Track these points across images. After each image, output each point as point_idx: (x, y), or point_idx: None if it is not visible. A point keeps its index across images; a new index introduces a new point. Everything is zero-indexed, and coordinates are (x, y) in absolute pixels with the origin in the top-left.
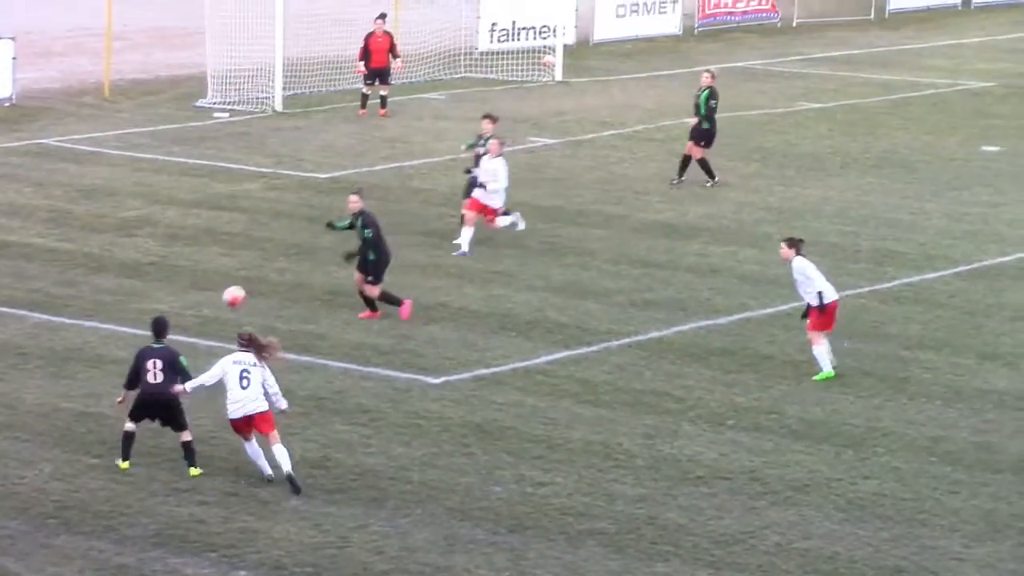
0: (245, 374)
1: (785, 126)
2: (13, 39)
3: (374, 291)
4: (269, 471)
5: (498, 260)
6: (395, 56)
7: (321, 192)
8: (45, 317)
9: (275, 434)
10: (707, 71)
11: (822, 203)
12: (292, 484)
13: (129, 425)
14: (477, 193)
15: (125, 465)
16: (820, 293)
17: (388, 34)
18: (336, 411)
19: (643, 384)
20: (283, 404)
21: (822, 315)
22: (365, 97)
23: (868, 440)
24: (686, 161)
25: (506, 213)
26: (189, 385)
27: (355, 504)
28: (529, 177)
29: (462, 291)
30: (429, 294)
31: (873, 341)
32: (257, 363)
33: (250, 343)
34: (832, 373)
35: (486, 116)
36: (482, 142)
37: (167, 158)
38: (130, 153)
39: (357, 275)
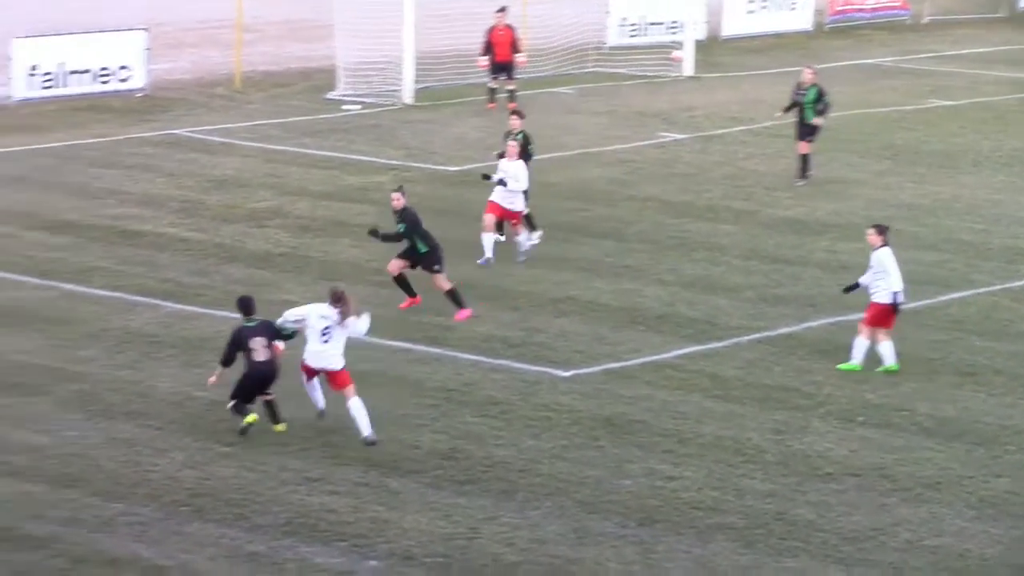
0: (327, 330)
1: (916, 123)
2: (146, 30)
3: (445, 284)
4: (322, 404)
5: (628, 254)
6: (517, 51)
7: (451, 185)
8: (178, 306)
9: (351, 388)
10: (809, 67)
11: (953, 200)
12: (367, 440)
13: (252, 416)
14: (496, 196)
15: (253, 418)
16: (896, 293)
17: (510, 28)
18: (466, 403)
19: (773, 380)
20: (364, 327)
21: (884, 312)
22: (492, 91)
23: (1000, 438)
24: (804, 160)
25: (532, 227)
26: (280, 323)
27: (485, 496)
28: (659, 172)
29: (591, 285)
30: (558, 288)
31: (1005, 339)
32: (341, 323)
33: (341, 303)
34: (859, 367)
35: (514, 112)
36: (514, 137)
37: (298, 150)
38: (261, 144)
39: (396, 262)
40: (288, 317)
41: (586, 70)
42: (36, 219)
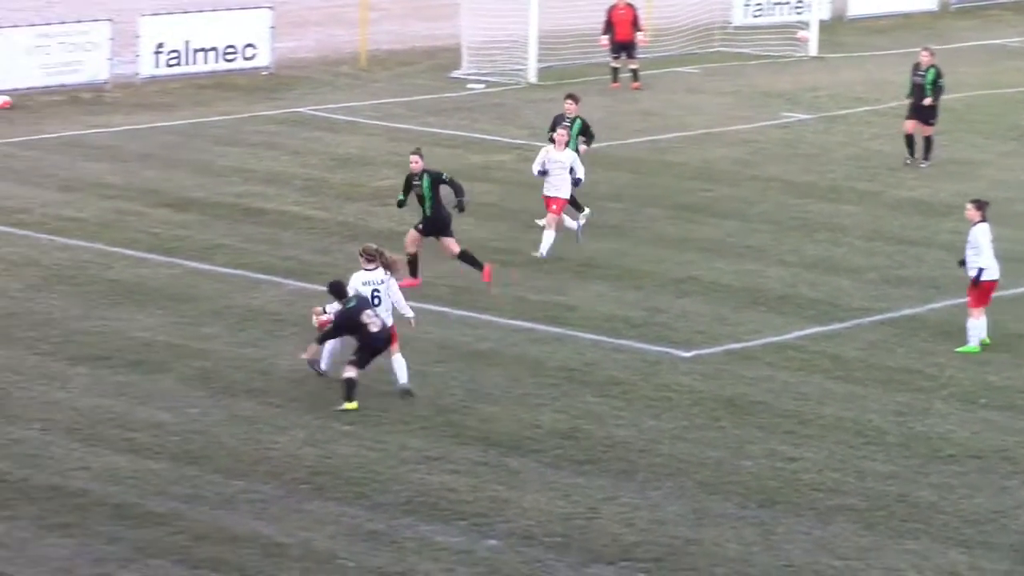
0: (376, 293)
1: None
2: (271, 8)
3: (455, 247)
4: (325, 367)
5: (750, 235)
6: (638, 29)
7: None
8: (300, 284)
9: (396, 345)
10: (926, 49)
11: None
12: (406, 393)
13: (353, 372)
14: (546, 188)
15: (354, 405)
16: (981, 269)
17: (631, 7)
18: (586, 383)
19: (895, 361)
20: (408, 312)
21: (976, 289)
22: (615, 70)
23: None
24: (928, 142)
25: (579, 207)
26: (331, 308)
27: (605, 476)
28: (782, 152)
29: (713, 265)
30: (680, 268)
31: None
32: (384, 279)
33: (379, 258)
34: (978, 348)
35: (569, 96)
36: (566, 122)
37: (422, 128)
38: (385, 123)
39: (413, 234)
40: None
41: (711, 50)
42: (161, 196)
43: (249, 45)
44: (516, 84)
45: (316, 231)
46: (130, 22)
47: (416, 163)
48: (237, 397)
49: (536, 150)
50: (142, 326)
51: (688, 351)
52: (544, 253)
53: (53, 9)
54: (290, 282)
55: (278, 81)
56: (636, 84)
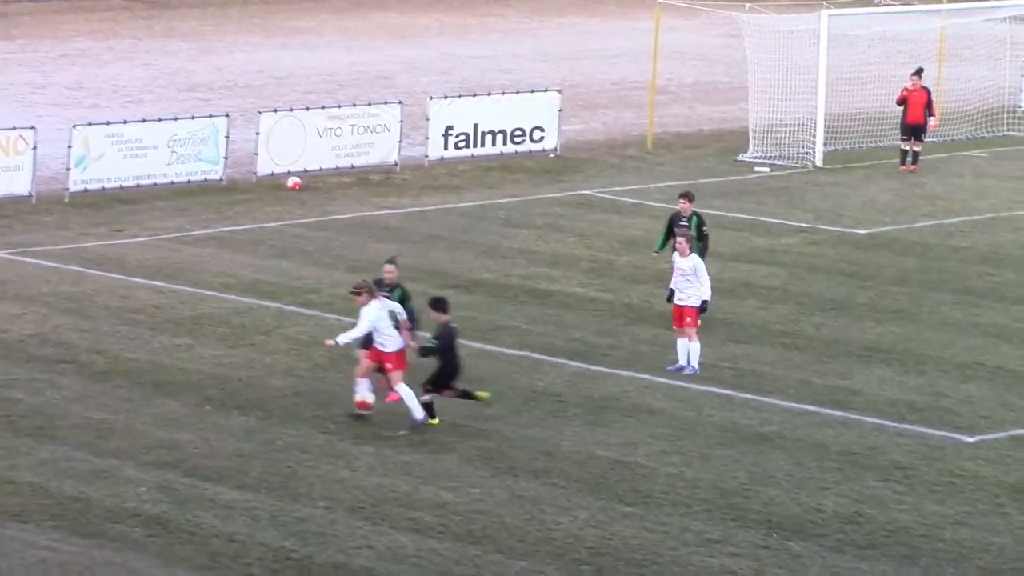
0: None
1: None
2: (559, 91)
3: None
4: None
5: None
6: (931, 114)
7: (860, 248)
8: (584, 366)
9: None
10: None
11: None
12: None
13: (428, 398)
14: (679, 297)
15: (436, 422)
16: None
17: (926, 90)
18: (869, 467)
19: None
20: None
21: None
22: (904, 153)
23: None
24: None
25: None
26: (342, 339)
27: (887, 561)
28: None
29: (999, 350)
30: (966, 352)
31: None
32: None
33: (364, 292)
34: None
35: (683, 196)
36: (683, 221)
37: (707, 211)
38: (671, 205)
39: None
40: (357, 335)
41: (999, 134)
42: (448, 277)
43: (537, 128)
44: (802, 167)
45: (601, 313)
46: (420, 104)
47: (390, 273)
48: (519, 477)
49: (821, 232)
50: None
51: (972, 436)
52: (696, 367)
53: (344, 92)
54: (574, 363)
55: (565, 163)
56: (914, 167)
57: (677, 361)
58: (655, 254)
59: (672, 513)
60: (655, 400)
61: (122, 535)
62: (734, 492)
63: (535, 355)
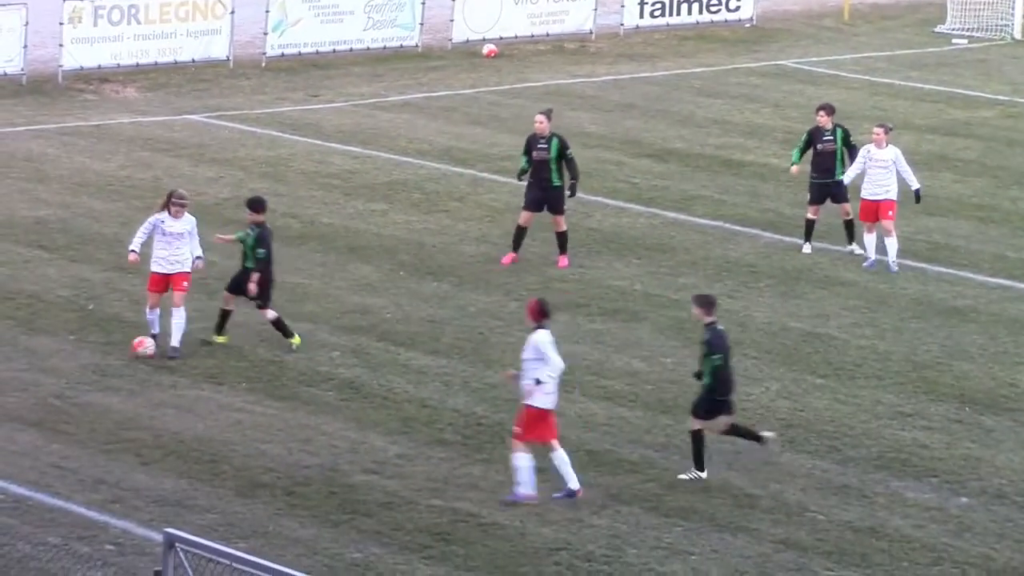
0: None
1: None
2: None
3: (562, 225)
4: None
5: None
6: None
7: None
8: (777, 237)
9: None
10: None
11: None
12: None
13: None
14: (873, 192)
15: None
16: None
17: None
18: None
19: None
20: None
21: None
22: None
23: None
24: None
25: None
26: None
27: None
28: None
29: None
30: None
31: None
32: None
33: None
34: None
35: (822, 107)
36: (828, 135)
37: (903, 83)
38: (867, 77)
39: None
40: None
41: None
42: (642, 146)
43: None
44: (1001, 39)
45: (794, 184)
46: None
47: (541, 124)
48: None
49: (1018, 106)
50: (619, 275)
51: None
52: (895, 266)
53: None
54: (767, 234)
55: (760, 33)
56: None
57: (868, 257)
58: (794, 168)
59: (864, 386)
60: (848, 272)
61: (315, 398)
62: (927, 365)
63: (728, 225)
